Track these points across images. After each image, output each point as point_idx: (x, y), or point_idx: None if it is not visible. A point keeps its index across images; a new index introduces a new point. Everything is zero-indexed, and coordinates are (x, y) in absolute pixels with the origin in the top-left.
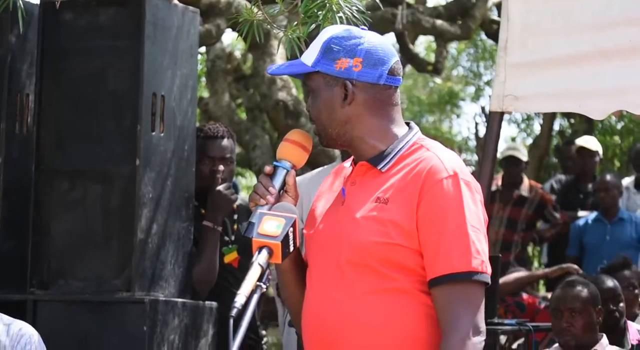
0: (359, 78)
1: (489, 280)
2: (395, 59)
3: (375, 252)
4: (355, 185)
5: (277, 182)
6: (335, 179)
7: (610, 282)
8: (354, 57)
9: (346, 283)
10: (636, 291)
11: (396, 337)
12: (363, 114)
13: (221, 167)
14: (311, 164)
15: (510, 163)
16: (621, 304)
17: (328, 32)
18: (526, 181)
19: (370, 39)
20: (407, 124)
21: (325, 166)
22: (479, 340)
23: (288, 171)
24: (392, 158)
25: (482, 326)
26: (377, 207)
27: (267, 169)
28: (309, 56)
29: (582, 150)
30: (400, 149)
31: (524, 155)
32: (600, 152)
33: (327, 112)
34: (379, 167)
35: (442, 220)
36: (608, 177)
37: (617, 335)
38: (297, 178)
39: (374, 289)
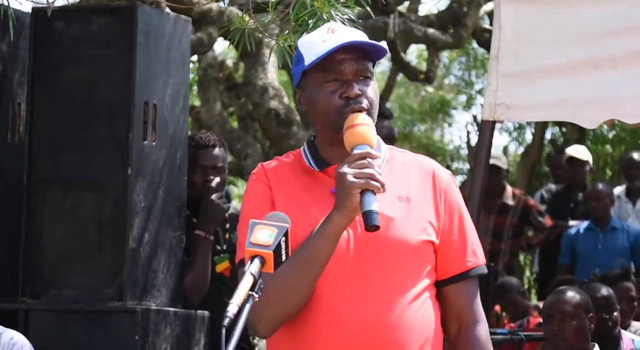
0: None
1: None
2: None
3: (421, 251)
4: None
5: None
6: (287, 178)
7: (604, 291)
8: None
9: (392, 284)
10: (635, 303)
11: (432, 339)
12: None
13: (213, 177)
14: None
15: (492, 172)
16: (615, 313)
17: (355, 30)
18: (509, 189)
19: None
20: None
21: None
22: None
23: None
24: (383, 160)
25: None
26: (406, 207)
27: (376, 153)
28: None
29: (573, 159)
30: (385, 152)
31: (504, 164)
32: (591, 161)
33: (378, 98)
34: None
35: (462, 216)
36: (600, 186)
37: (612, 344)
38: None
39: (418, 290)
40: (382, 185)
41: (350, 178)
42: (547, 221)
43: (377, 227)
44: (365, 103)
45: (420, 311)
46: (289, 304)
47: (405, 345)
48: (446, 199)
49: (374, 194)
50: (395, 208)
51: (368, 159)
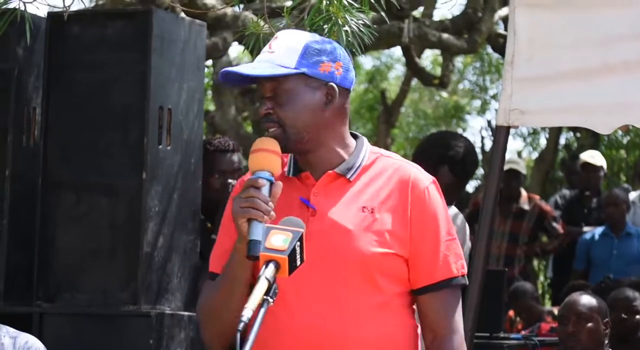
0: (341, 83)
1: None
2: None
3: (378, 264)
4: (319, 195)
5: (266, 195)
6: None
7: (629, 292)
8: (335, 61)
9: (348, 298)
10: None
11: None
12: (337, 120)
13: (232, 181)
14: None
15: (511, 176)
16: (637, 316)
17: (299, 35)
18: (524, 194)
19: (338, 44)
20: (352, 133)
21: None
22: None
23: (273, 182)
24: (358, 167)
25: None
26: (368, 218)
27: (261, 181)
28: (284, 58)
29: (587, 165)
30: (363, 158)
31: (523, 169)
32: (605, 166)
33: (307, 116)
34: (347, 177)
35: (436, 226)
36: (617, 191)
37: (635, 348)
38: None
39: (375, 303)
40: (267, 212)
41: (236, 207)
42: (560, 227)
43: (256, 258)
44: (274, 121)
45: (374, 324)
46: (225, 323)
47: None
48: (418, 209)
49: (260, 222)
50: (356, 220)
51: (253, 188)
